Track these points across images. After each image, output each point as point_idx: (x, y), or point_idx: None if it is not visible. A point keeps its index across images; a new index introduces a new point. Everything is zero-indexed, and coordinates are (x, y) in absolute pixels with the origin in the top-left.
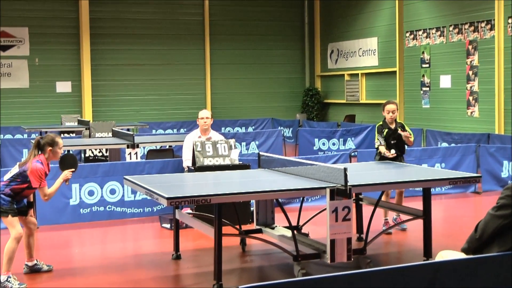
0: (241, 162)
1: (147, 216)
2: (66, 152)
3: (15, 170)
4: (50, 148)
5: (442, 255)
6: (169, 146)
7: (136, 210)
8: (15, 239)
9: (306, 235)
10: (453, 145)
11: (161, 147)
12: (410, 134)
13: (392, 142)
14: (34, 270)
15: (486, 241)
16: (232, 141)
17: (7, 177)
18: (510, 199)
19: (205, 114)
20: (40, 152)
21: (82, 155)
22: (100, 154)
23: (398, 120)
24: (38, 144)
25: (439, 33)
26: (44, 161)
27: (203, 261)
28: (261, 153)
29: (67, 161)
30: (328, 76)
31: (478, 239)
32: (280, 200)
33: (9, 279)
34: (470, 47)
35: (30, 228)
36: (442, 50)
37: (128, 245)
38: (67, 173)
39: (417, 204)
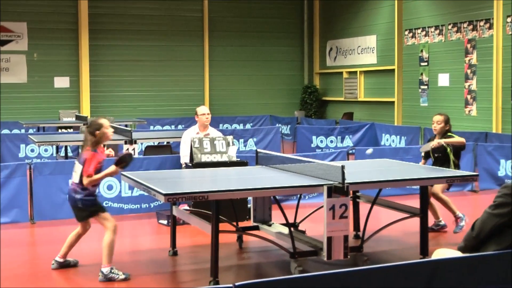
0: (238, 159)
1: (144, 212)
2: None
3: (78, 168)
4: (97, 131)
5: (439, 253)
6: (167, 143)
7: (133, 206)
8: (113, 232)
9: (303, 232)
10: None
11: (159, 143)
12: (452, 140)
13: (436, 155)
14: (63, 266)
15: (483, 240)
16: (230, 137)
17: (77, 179)
18: (507, 198)
19: (206, 110)
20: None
21: (80, 151)
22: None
23: (449, 134)
24: (89, 133)
25: (438, 31)
26: (99, 149)
27: (200, 257)
28: (258, 150)
29: (126, 161)
30: (326, 74)
31: (475, 237)
32: (277, 197)
33: (112, 270)
34: (468, 45)
35: (86, 230)
36: (440, 48)
37: (125, 241)
38: (114, 172)
39: (415, 202)
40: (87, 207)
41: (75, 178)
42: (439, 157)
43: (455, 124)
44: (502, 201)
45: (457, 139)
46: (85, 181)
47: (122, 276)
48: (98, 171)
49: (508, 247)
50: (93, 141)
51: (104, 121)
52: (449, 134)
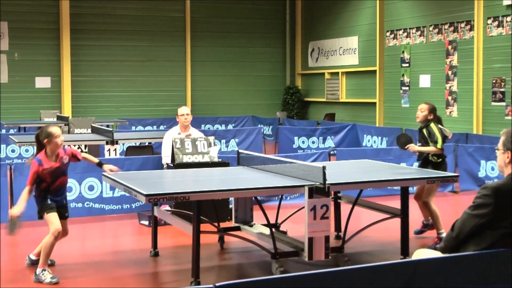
0: (220, 160)
1: (125, 213)
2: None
3: None
4: (46, 139)
5: (419, 254)
6: (149, 143)
7: (114, 207)
8: (52, 235)
9: (285, 233)
10: None
11: (140, 143)
12: (423, 149)
13: (419, 144)
14: (35, 263)
15: (462, 240)
16: (211, 138)
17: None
18: (486, 199)
19: (185, 111)
20: (42, 148)
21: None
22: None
23: (432, 124)
24: (37, 140)
25: (419, 32)
26: (43, 158)
27: (181, 258)
28: (240, 150)
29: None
30: (308, 75)
31: (454, 238)
32: (259, 198)
33: (43, 271)
34: (449, 47)
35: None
36: (422, 49)
37: (106, 242)
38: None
39: (395, 203)
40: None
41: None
42: (421, 145)
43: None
44: (482, 202)
45: (427, 148)
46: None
47: (48, 280)
48: (42, 178)
49: (487, 248)
50: (40, 150)
51: (54, 130)
52: (431, 124)
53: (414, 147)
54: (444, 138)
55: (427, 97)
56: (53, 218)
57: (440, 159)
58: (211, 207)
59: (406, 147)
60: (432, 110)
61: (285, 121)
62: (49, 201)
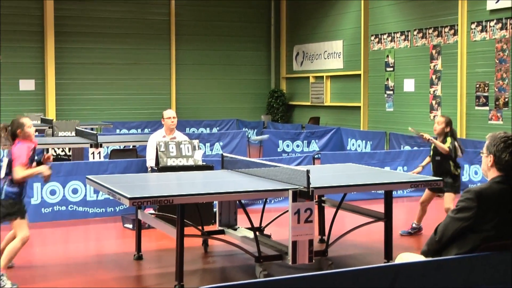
0: (204, 163)
1: (109, 216)
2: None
3: (3, 163)
4: (20, 130)
5: (402, 257)
6: (133, 146)
7: (98, 210)
8: (22, 241)
9: (268, 236)
10: (415, 148)
11: (124, 147)
12: (437, 142)
13: (436, 158)
14: None
15: (445, 244)
16: (196, 141)
17: (3, 172)
18: (469, 202)
19: (172, 114)
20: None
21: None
22: (63, 153)
23: (448, 137)
24: (7, 132)
25: (403, 37)
26: (22, 141)
27: (165, 261)
28: (224, 154)
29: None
30: (293, 78)
31: (437, 241)
32: (243, 201)
33: (2, 277)
34: (433, 51)
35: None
36: (406, 54)
37: (90, 245)
38: (45, 169)
39: (379, 207)
40: (8, 207)
41: (3, 172)
42: (439, 160)
43: (420, 129)
44: (464, 205)
45: (440, 144)
46: (16, 175)
47: (9, 286)
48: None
49: (469, 251)
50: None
51: (25, 120)
52: (448, 137)
53: (428, 135)
54: (456, 156)
55: (411, 101)
56: (25, 224)
57: (458, 171)
58: (195, 211)
59: (421, 134)
60: (449, 123)
61: (270, 125)
62: (23, 204)
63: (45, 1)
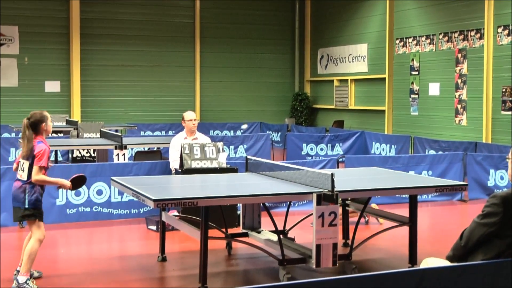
0: (228, 166)
1: (133, 218)
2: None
3: (25, 165)
4: (43, 124)
5: (427, 262)
6: (157, 148)
7: (122, 212)
8: (38, 240)
9: (292, 239)
10: (440, 152)
11: (149, 148)
12: None
13: None
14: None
15: (471, 249)
16: (220, 144)
17: (24, 176)
18: (495, 207)
19: (193, 116)
20: (35, 134)
21: (70, 155)
22: (88, 154)
23: None
24: (30, 126)
25: (428, 40)
26: (44, 141)
27: (189, 263)
28: (248, 156)
29: (79, 182)
30: (317, 81)
31: (463, 247)
32: (266, 204)
33: (27, 281)
34: (459, 55)
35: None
36: (431, 57)
37: (114, 246)
38: (67, 185)
39: (404, 211)
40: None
41: (23, 176)
42: None
43: (445, 133)
44: (490, 210)
45: None
46: (37, 176)
47: None
48: (46, 166)
49: (495, 257)
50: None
51: (46, 113)
52: None
53: None
54: None
55: (436, 105)
56: (42, 225)
57: None
58: (219, 213)
59: None
60: None
61: (294, 128)
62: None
63: (71, 3)
